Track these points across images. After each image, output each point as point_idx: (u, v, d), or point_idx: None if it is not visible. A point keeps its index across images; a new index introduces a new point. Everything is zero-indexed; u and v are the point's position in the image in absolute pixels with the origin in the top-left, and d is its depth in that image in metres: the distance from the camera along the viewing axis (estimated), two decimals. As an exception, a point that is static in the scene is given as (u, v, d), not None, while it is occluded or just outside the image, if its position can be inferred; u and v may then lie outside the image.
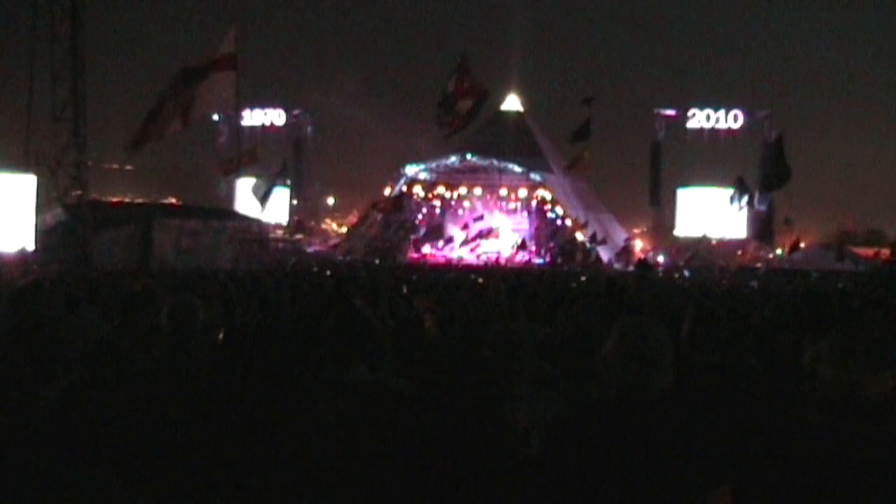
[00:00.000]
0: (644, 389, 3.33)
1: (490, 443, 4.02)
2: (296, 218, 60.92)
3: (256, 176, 44.91)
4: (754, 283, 30.89)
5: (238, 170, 40.56)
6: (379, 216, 53.93)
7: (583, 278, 27.45)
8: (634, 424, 3.27)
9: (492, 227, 52.94)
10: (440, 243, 53.57)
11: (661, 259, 51.46)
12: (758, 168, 45.84)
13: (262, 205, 40.78)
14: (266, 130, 62.79)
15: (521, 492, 3.69)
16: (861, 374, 3.25)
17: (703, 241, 56.31)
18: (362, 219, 56.09)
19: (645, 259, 46.11)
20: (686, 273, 42.41)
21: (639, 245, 52.25)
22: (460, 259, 50.40)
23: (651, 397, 3.32)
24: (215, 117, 59.68)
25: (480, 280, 22.48)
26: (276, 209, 59.96)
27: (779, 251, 55.01)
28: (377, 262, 46.86)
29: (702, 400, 4.06)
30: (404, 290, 14.98)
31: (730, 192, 47.03)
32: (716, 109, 59.20)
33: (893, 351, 3.29)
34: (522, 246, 52.10)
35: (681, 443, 3.23)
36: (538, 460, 3.54)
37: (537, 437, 3.99)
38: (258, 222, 44.86)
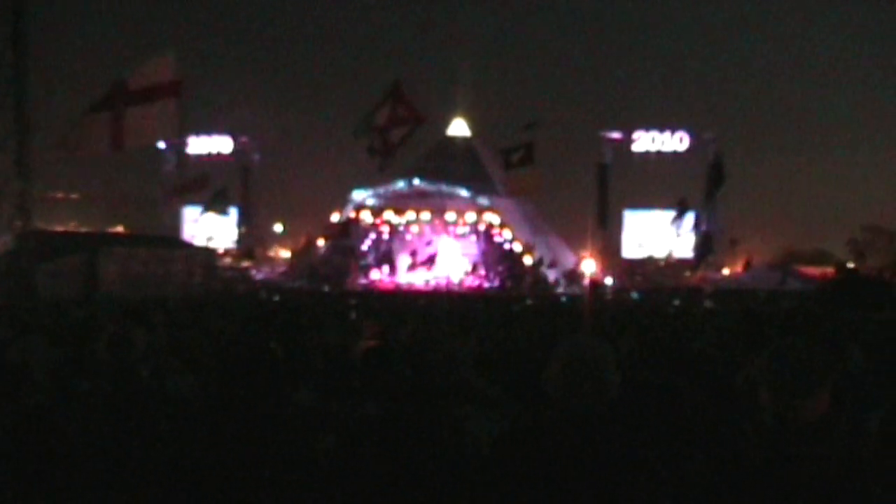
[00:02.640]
0: (587, 407, 3.36)
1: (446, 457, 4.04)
2: (243, 245, 60.64)
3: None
4: (708, 304, 31.27)
5: (187, 196, 40.29)
6: (326, 242, 53.78)
7: (528, 302, 27.57)
8: (577, 441, 3.30)
9: (435, 253, 52.92)
10: (387, 269, 53.46)
11: (608, 281, 51.81)
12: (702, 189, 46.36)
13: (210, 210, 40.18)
14: (213, 158, 62.47)
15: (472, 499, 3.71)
16: (794, 396, 3.28)
17: (649, 263, 56.90)
18: (308, 245, 55.82)
19: (596, 281, 46.50)
20: (634, 295, 42.80)
21: (589, 267, 52.52)
22: (410, 284, 50.34)
23: (594, 415, 3.35)
24: (161, 145, 59.33)
25: (426, 303, 22.52)
26: (224, 236, 59.69)
27: (725, 271, 55.70)
28: (325, 288, 46.70)
29: (643, 418, 4.11)
30: (353, 315, 14.98)
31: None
32: (661, 131, 59.80)
33: (824, 372, 3.33)
34: (473, 270, 52.21)
35: (623, 460, 3.26)
36: (487, 474, 3.56)
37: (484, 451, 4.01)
38: (205, 250, 44.57)
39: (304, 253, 55.88)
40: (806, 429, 3.26)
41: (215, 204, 39.81)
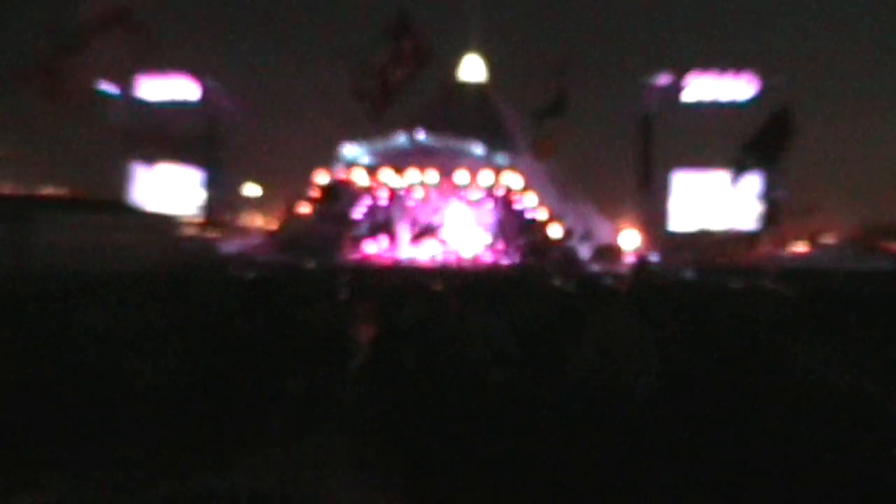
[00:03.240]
0: (622, 390, 3.44)
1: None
2: (210, 212, 60.68)
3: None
4: (772, 285, 31.23)
5: (138, 151, 40.25)
6: (311, 208, 53.70)
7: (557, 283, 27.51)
8: (606, 430, 3.38)
9: (441, 223, 52.82)
10: (385, 241, 53.37)
11: (652, 259, 51.69)
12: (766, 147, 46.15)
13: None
14: (174, 108, 62.30)
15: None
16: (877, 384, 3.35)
17: (703, 236, 56.73)
18: (290, 213, 55.76)
19: (643, 259, 46.31)
20: (688, 274, 42.74)
21: (630, 240, 52.34)
22: (411, 260, 50.21)
23: (631, 398, 3.43)
24: (109, 89, 59.30)
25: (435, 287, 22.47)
26: (187, 202, 59.67)
27: (797, 247, 55.51)
28: (310, 264, 46.68)
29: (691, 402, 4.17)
30: (343, 295, 15.04)
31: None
32: (720, 75, 59.45)
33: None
34: (488, 244, 52.10)
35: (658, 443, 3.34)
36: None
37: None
38: (163, 217, 44.62)
39: (286, 223, 55.86)
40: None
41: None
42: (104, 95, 59.92)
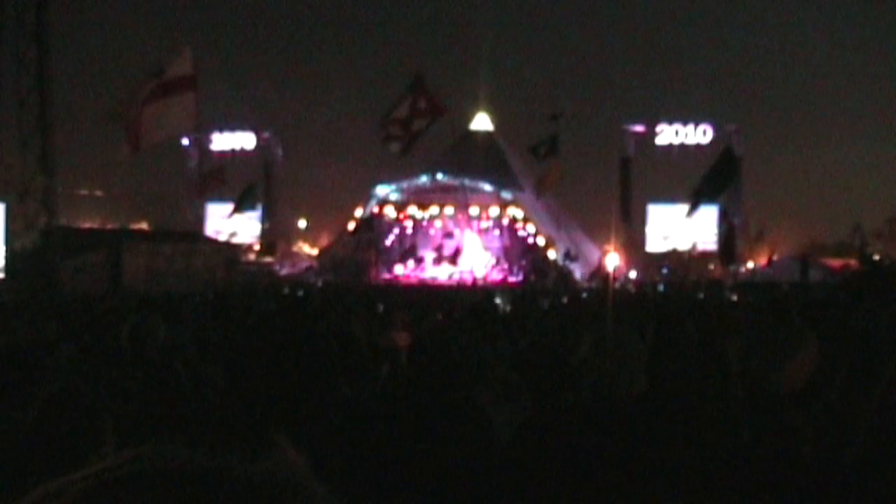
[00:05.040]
0: (618, 394, 3.42)
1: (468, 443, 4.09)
2: (266, 241, 60.98)
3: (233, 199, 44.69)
4: (730, 296, 31.19)
5: (207, 192, 40.48)
6: (350, 237, 53.97)
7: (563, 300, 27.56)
8: (605, 427, 3.35)
9: (460, 247, 52.96)
10: (412, 263, 53.55)
11: (632, 275, 51.77)
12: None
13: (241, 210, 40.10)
14: (236, 154, 62.87)
15: (493, 488, 3.76)
16: (768, 366, 3.35)
17: (673, 256, 56.70)
18: (334, 240, 56.07)
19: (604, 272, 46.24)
20: (660, 288, 42.66)
21: (613, 261, 52.44)
22: (434, 279, 50.39)
23: (624, 401, 3.41)
24: (184, 142, 59.87)
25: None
26: (247, 232, 60.01)
27: (749, 264, 55.42)
28: (348, 282, 46.84)
29: (666, 409, 4.15)
30: (380, 308, 15.07)
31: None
32: (684, 124, 59.73)
33: (794, 347, 3.39)
34: (496, 264, 52.31)
35: (644, 451, 3.31)
36: (509, 459, 3.61)
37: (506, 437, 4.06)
38: (228, 245, 44.80)
39: (329, 248, 56.18)
40: (780, 401, 3.32)
41: (245, 202, 39.81)
42: (181, 146, 60.64)
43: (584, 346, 3.58)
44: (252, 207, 42.28)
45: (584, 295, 33.92)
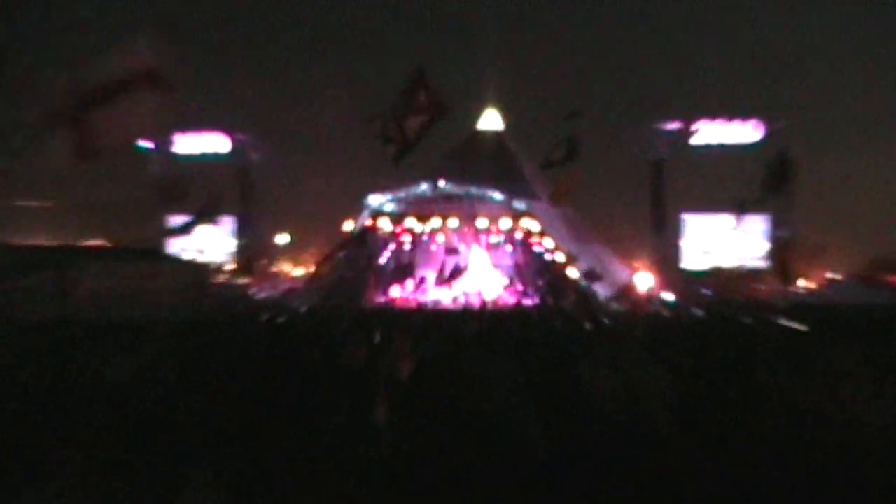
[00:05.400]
0: (641, 425, 3.40)
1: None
2: (242, 259, 60.85)
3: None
4: (783, 321, 31.16)
5: (169, 205, 40.37)
6: (341, 255, 53.72)
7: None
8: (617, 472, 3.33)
9: (467, 266, 52.73)
10: (410, 284, 53.30)
11: (667, 297, 51.56)
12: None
13: (178, 235, 40.13)
14: (207, 160, 62.67)
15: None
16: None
17: (715, 275, 56.51)
18: (321, 259, 55.82)
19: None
20: (698, 312, 42.56)
21: (645, 281, 52.17)
22: (436, 302, 50.10)
23: (648, 433, 3.39)
24: (149, 145, 59.84)
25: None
26: (219, 250, 59.92)
27: (802, 283, 55.28)
28: (340, 307, 46.61)
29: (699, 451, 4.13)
30: (377, 336, 15.03)
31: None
32: (728, 121, 59.56)
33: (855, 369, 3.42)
34: (509, 284, 52.06)
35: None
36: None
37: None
38: (195, 265, 44.74)
39: (318, 268, 55.88)
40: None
41: (203, 216, 39.63)
42: (140, 151, 60.46)
43: (608, 377, 3.56)
44: (213, 221, 42.07)
45: (606, 321, 33.80)
